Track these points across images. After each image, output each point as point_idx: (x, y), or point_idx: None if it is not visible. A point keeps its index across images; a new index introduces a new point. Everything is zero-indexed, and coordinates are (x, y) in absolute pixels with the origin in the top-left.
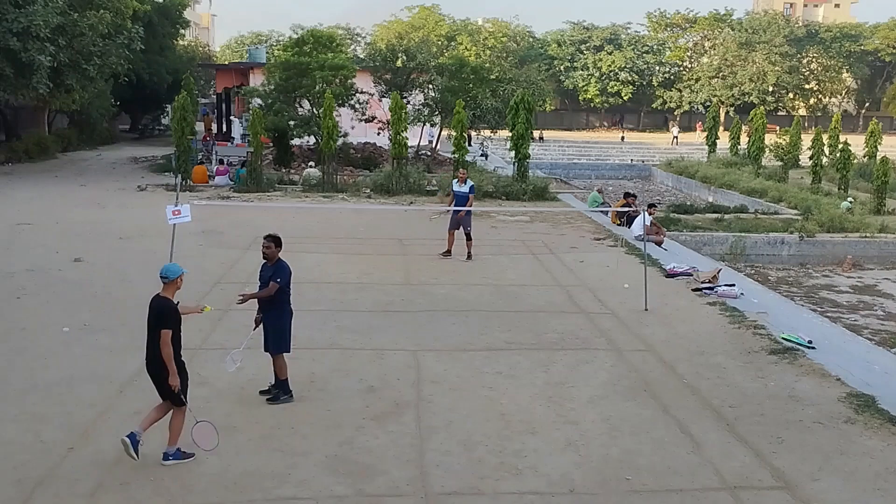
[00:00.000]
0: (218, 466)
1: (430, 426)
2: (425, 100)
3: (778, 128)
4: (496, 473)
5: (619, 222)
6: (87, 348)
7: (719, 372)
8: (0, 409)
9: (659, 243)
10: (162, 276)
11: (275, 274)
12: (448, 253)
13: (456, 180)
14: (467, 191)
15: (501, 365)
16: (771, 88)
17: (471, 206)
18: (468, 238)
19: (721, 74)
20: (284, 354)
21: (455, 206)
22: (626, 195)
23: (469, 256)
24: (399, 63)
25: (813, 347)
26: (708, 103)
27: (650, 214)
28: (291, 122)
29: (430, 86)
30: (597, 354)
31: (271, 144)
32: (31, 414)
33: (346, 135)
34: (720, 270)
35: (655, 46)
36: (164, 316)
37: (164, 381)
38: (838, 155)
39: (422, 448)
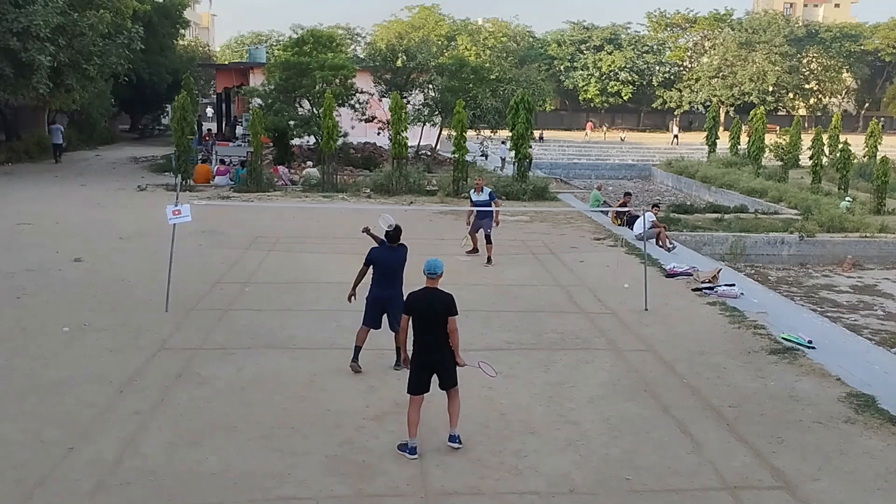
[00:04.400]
0: (218, 466)
1: (430, 426)
2: (425, 100)
3: (778, 128)
4: (496, 473)
5: (619, 222)
6: (87, 348)
7: (719, 372)
8: (0, 409)
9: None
10: (433, 272)
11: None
12: (475, 251)
13: (473, 190)
14: (487, 198)
15: (501, 365)
16: (771, 88)
17: (499, 216)
18: (488, 241)
19: (721, 74)
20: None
21: (477, 217)
22: (626, 195)
23: (489, 260)
24: (399, 63)
25: (813, 347)
26: (708, 103)
27: (654, 214)
28: (291, 122)
29: (430, 86)
30: (597, 354)
31: (271, 144)
32: (31, 414)
33: (346, 135)
34: (720, 270)
35: (655, 46)
36: (454, 305)
37: (454, 366)
38: (838, 155)
39: (422, 448)
